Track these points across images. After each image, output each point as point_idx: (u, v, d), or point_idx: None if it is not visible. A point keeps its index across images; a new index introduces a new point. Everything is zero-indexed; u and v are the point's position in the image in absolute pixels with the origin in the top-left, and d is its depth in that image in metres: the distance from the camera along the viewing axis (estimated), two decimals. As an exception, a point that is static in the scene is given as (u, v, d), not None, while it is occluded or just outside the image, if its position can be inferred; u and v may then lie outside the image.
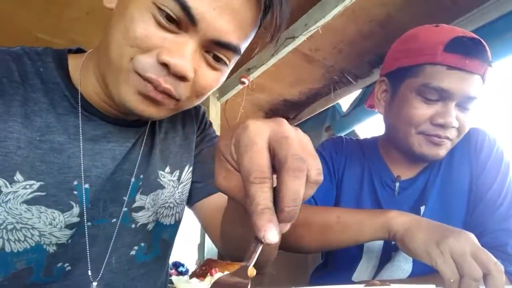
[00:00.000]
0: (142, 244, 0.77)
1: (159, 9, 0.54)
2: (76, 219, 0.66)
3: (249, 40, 0.64)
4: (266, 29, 0.64)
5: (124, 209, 0.73)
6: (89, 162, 0.68)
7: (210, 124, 0.94)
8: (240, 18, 0.58)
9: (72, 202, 0.65)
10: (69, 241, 0.67)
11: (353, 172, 1.08)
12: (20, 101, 0.62)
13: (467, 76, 0.86)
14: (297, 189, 0.33)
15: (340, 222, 0.83)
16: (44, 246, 0.64)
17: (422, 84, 0.89)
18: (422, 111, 0.90)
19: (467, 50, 0.86)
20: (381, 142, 1.10)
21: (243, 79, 2.26)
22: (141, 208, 0.76)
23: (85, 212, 0.67)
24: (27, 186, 0.61)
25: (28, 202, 0.62)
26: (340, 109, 2.57)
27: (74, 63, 0.70)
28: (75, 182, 0.66)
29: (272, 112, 2.96)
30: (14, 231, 0.61)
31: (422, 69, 0.90)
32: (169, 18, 0.55)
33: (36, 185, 0.62)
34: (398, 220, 0.76)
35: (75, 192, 0.66)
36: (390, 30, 1.80)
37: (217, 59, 0.61)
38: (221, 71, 0.64)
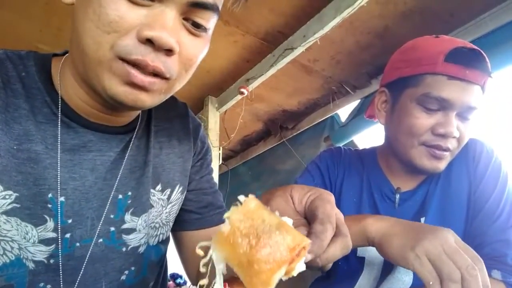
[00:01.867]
0: (133, 268, 0.73)
1: None
2: (51, 234, 0.62)
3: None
4: None
5: (111, 228, 0.69)
6: (66, 173, 0.64)
7: (210, 148, 0.91)
8: None
9: (46, 216, 0.62)
10: (51, 260, 0.63)
11: (352, 183, 1.08)
12: (1, 106, 0.60)
13: (468, 86, 0.87)
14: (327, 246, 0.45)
15: None
16: (24, 261, 0.61)
17: (422, 94, 0.90)
18: (423, 120, 0.90)
19: (468, 61, 0.87)
20: (380, 153, 1.10)
21: (242, 90, 2.27)
22: (132, 230, 0.72)
23: (59, 227, 0.63)
24: (6, 196, 0.58)
25: (7, 213, 0.59)
26: (339, 119, 2.58)
27: (55, 67, 0.67)
28: (50, 195, 0.62)
29: (271, 122, 2.97)
30: None
31: (422, 79, 0.90)
32: None
33: (13, 195, 0.59)
34: (375, 226, 0.76)
35: (49, 205, 0.62)
36: (388, 42, 1.82)
37: (197, 26, 0.58)
38: (203, 38, 0.61)
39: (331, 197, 0.50)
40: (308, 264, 0.44)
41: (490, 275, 0.80)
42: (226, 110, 2.70)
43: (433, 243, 0.64)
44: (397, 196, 1.00)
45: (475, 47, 0.89)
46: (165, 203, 0.78)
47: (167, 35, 0.53)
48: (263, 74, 2.12)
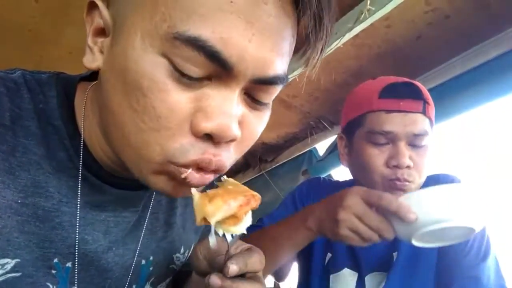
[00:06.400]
0: None
1: (175, 67, 0.40)
2: None
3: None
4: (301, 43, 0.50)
5: None
6: (76, 235, 0.54)
7: None
8: (281, 36, 0.44)
9: (49, 284, 0.52)
10: None
11: None
12: (5, 152, 0.47)
13: (407, 116, 0.93)
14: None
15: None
16: None
17: (368, 131, 0.96)
18: (376, 156, 0.95)
19: (400, 93, 0.94)
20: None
21: (222, 122, 2.29)
22: None
23: None
24: None
25: None
26: (317, 153, 2.62)
27: (79, 99, 0.55)
28: (55, 260, 0.52)
29: (250, 155, 2.98)
30: None
31: (365, 118, 0.98)
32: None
33: (11, 264, 0.47)
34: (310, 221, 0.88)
35: (53, 271, 0.52)
36: (363, 81, 1.88)
37: (259, 102, 0.48)
38: (263, 112, 0.52)
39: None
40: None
41: None
42: (206, 142, 2.71)
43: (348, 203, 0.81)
44: None
45: (407, 80, 0.97)
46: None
47: (229, 123, 0.42)
48: (243, 108, 2.16)
